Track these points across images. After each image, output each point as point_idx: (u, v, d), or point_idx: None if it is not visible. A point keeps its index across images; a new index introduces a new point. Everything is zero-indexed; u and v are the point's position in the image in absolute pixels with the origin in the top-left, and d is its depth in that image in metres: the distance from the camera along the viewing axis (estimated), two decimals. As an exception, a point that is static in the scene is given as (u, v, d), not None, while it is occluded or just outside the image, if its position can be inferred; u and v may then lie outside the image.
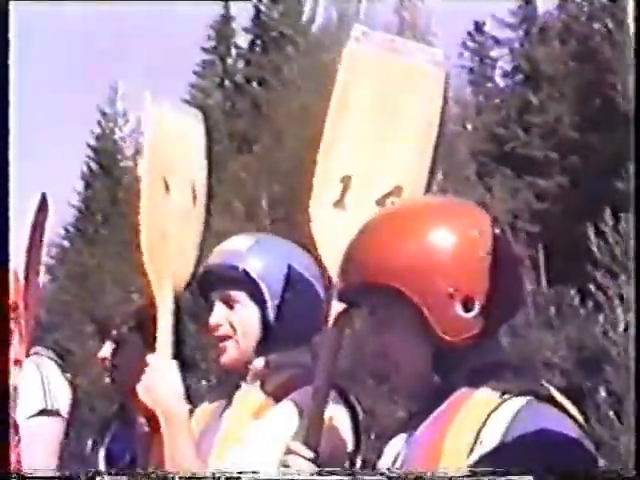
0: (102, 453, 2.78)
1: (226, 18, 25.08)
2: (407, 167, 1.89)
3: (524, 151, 19.74)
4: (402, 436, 1.61)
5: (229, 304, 2.10)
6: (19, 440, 2.87)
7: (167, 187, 2.11)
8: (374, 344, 1.62)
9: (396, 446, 1.61)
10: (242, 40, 24.89)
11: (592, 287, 12.34)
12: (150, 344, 2.20)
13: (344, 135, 1.90)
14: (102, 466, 2.73)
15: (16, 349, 2.88)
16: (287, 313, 2.08)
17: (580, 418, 1.53)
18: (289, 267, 2.08)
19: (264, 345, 2.09)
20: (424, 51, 1.95)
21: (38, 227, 2.99)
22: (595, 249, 12.39)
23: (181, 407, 2.07)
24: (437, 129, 1.89)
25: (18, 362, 2.86)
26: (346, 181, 1.86)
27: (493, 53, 23.67)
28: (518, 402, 1.51)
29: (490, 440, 1.48)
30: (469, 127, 21.08)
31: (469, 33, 24.09)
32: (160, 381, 2.07)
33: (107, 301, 20.71)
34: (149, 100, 2.14)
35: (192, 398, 2.13)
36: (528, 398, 1.52)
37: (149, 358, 2.10)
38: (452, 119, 20.93)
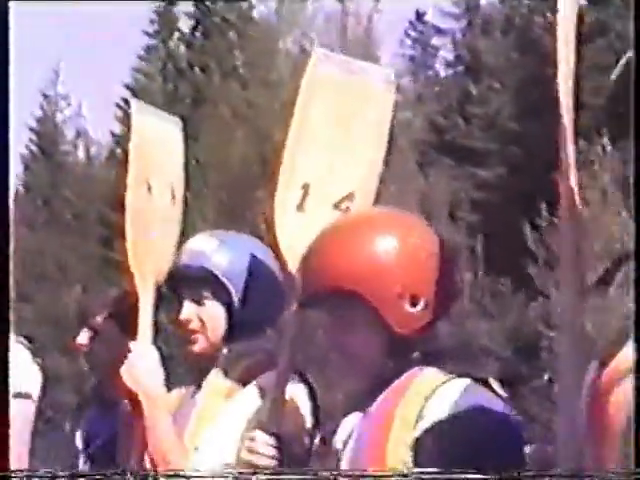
0: (79, 433, 2.95)
1: (169, 2, 25.02)
2: (359, 175, 2.12)
3: (464, 141, 20.03)
4: (357, 414, 1.82)
5: (198, 301, 2.29)
6: (-8, 422, 3.04)
7: (149, 188, 2.30)
8: (334, 340, 1.83)
9: (351, 422, 1.82)
10: (184, 25, 24.90)
11: (528, 276, 12.65)
12: (128, 331, 2.39)
13: (304, 146, 2.12)
14: (80, 445, 2.91)
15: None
16: (252, 303, 2.26)
17: (508, 399, 1.75)
18: (251, 256, 2.27)
19: (232, 334, 2.28)
20: (376, 71, 2.19)
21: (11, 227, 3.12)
22: (530, 241, 12.69)
23: (161, 388, 2.27)
24: (387, 140, 2.12)
25: (-12, 348, 3.01)
26: (306, 188, 2.09)
27: (435, 42, 23.91)
28: (458, 383, 1.74)
29: (433, 414, 1.70)
30: (410, 116, 21.36)
31: (410, 22, 24.32)
32: (142, 366, 2.26)
33: (48, 284, 20.67)
34: (134, 107, 2.34)
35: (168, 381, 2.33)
36: (467, 380, 1.74)
37: (132, 345, 2.29)
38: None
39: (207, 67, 23.12)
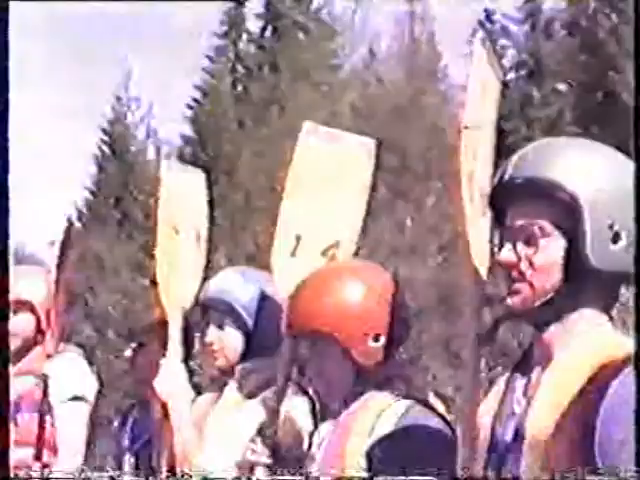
0: (127, 431, 3.44)
1: (239, 3, 25.48)
2: (344, 226, 2.54)
3: (525, 144, 20.19)
4: (330, 421, 2.27)
5: (220, 327, 2.78)
6: (53, 422, 3.53)
7: (177, 231, 2.77)
8: (314, 367, 2.27)
9: (325, 429, 2.27)
10: (253, 26, 25.35)
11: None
12: (165, 348, 2.86)
13: (298, 203, 2.56)
14: (127, 442, 3.39)
15: (48, 345, 3.51)
16: (263, 329, 2.74)
17: (446, 416, 2.15)
18: (261, 294, 2.75)
19: (246, 353, 2.77)
20: (358, 140, 2.59)
21: (68, 244, 3.58)
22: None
23: (186, 399, 2.74)
24: (367, 198, 2.54)
25: (49, 356, 3.49)
26: (298, 238, 2.52)
27: (503, 42, 24.06)
28: (403, 403, 2.16)
29: (381, 429, 2.13)
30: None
31: (479, 22, 24.50)
32: (171, 379, 2.73)
33: (118, 283, 21.30)
34: (163, 166, 2.82)
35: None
36: (410, 401, 2.16)
37: (163, 361, 2.76)
38: (458, 106, 21.44)
39: (277, 68, 23.52)
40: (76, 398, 3.58)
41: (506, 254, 1.67)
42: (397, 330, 2.22)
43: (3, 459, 2.36)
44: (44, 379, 3.42)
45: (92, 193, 25.96)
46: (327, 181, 2.52)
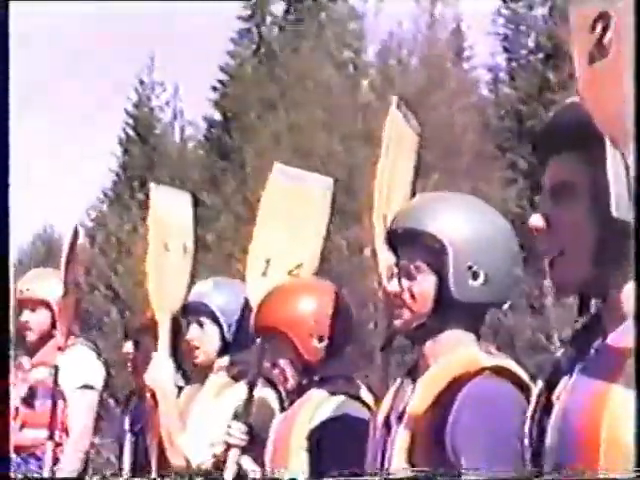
0: (127, 418, 3.90)
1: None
2: (306, 251, 3.01)
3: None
4: (280, 415, 2.76)
5: (200, 325, 3.24)
6: (65, 407, 4.00)
7: (166, 247, 3.23)
8: (271, 360, 2.76)
9: (277, 421, 2.74)
10: (277, 9, 25.63)
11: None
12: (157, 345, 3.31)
13: (267, 232, 3.04)
14: (127, 426, 3.85)
15: (59, 339, 3.97)
16: (237, 328, 3.21)
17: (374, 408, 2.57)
18: (235, 298, 3.21)
19: (223, 350, 3.24)
20: (318, 179, 3.08)
21: (74, 247, 4.01)
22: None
23: (172, 390, 3.21)
24: (325, 230, 3.01)
25: (60, 349, 3.94)
26: (268, 260, 3.01)
27: (527, 22, 24.16)
28: (339, 398, 2.61)
29: (317, 420, 2.58)
30: (501, 93, 21.82)
31: (504, 0, 24.57)
32: (159, 372, 3.20)
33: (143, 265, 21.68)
34: (152, 189, 3.28)
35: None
36: (343, 397, 2.61)
37: (153, 355, 3.22)
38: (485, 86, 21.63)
39: (298, 49, 23.76)
40: (85, 386, 4.06)
41: (392, 285, 2.11)
42: (339, 335, 2.69)
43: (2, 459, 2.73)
44: (55, 369, 3.89)
45: (117, 175, 26.34)
46: (292, 213, 2.99)
